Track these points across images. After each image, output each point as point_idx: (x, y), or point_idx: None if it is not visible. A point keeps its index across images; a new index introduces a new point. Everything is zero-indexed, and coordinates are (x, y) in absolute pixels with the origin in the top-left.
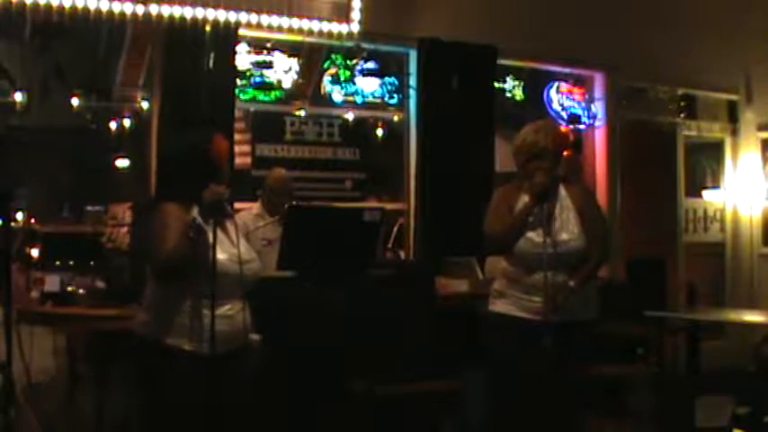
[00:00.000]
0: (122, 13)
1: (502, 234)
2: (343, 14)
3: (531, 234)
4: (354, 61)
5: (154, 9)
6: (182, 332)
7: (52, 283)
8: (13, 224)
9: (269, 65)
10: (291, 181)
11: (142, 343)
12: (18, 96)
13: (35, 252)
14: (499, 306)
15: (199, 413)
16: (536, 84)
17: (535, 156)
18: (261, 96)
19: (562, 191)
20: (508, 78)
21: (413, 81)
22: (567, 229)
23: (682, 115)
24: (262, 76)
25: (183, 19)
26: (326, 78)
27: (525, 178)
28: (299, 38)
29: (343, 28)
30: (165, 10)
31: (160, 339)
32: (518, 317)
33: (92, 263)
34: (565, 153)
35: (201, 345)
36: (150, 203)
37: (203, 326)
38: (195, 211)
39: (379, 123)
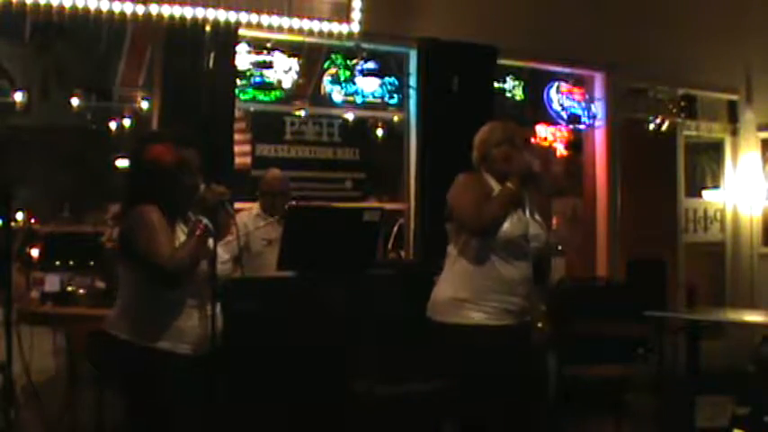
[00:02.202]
0: (122, 13)
1: (492, 219)
2: (343, 14)
3: (520, 222)
4: (354, 61)
5: (154, 9)
6: (174, 335)
7: (52, 283)
8: (13, 224)
9: (269, 65)
10: (287, 180)
11: (122, 345)
12: (18, 96)
13: (35, 252)
14: (467, 318)
15: (189, 413)
16: (536, 84)
17: (505, 142)
18: (261, 96)
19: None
20: (508, 78)
21: (413, 81)
22: (541, 222)
23: (682, 115)
24: (262, 76)
25: (183, 19)
26: (326, 78)
27: (494, 164)
28: (299, 38)
29: (343, 28)
30: (165, 10)
31: (150, 343)
32: (493, 325)
33: (92, 263)
34: (564, 151)
35: (189, 345)
36: (128, 205)
37: (188, 327)
38: (183, 233)
39: (379, 123)
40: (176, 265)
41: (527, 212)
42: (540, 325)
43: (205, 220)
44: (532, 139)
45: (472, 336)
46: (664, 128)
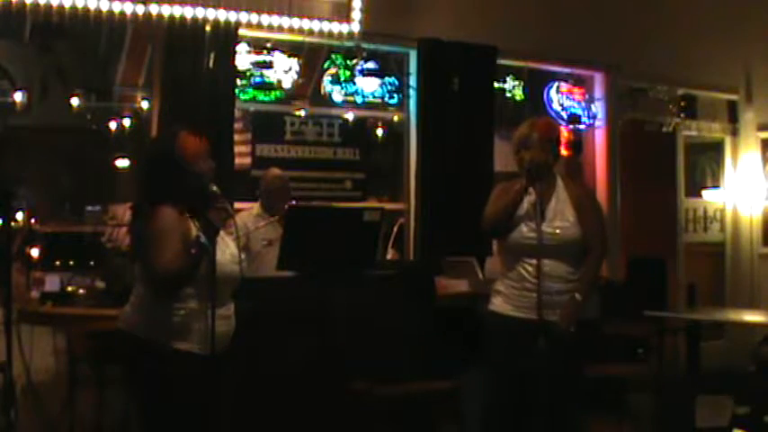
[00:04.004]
0: (122, 13)
1: (493, 215)
2: (343, 14)
3: (525, 224)
4: (354, 61)
5: (154, 9)
6: (180, 333)
7: (52, 283)
8: (13, 224)
9: (269, 65)
10: (287, 179)
11: (135, 342)
12: (18, 96)
13: (35, 252)
14: (495, 305)
15: (201, 412)
16: (536, 84)
17: (524, 145)
18: (261, 96)
19: (560, 184)
20: (508, 78)
21: (413, 81)
22: (562, 217)
23: (682, 115)
24: (262, 76)
25: (183, 19)
26: (326, 78)
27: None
28: (299, 38)
29: (343, 28)
30: (165, 10)
31: (156, 339)
32: (512, 316)
33: (92, 263)
34: (564, 152)
35: (202, 345)
36: (143, 206)
37: (203, 327)
38: (196, 229)
39: (379, 123)
40: (168, 275)
41: (539, 211)
42: (561, 320)
43: (203, 238)
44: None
45: (496, 322)
46: (665, 129)
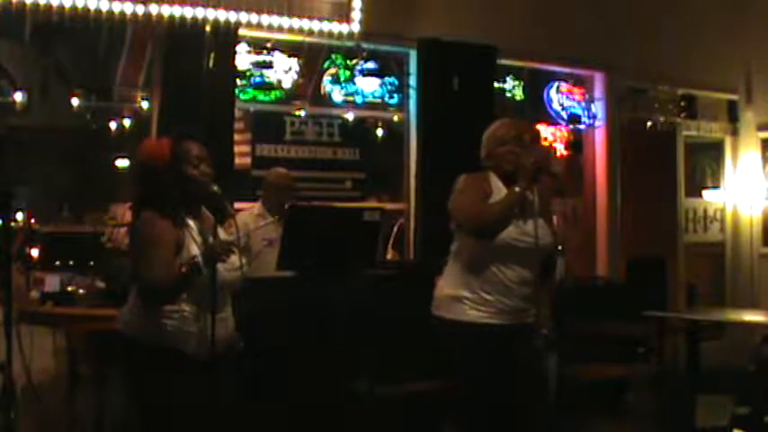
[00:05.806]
0: (122, 13)
1: (492, 216)
2: (343, 14)
3: (515, 225)
4: (354, 61)
5: (154, 9)
6: (176, 336)
7: (52, 283)
8: (13, 224)
9: (269, 65)
10: (292, 178)
11: (133, 344)
12: (18, 96)
13: (35, 252)
14: (459, 313)
15: (199, 414)
16: (536, 84)
17: (511, 140)
18: (261, 96)
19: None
20: (508, 78)
21: (413, 81)
22: (542, 221)
23: (682, 115)
24: (262, 76)
25: (183, 19)
26: (326, 78)
27: (498, 163)
28: (299, 38)
29: (343, 28)
30: (165, 10)
31: (152, 341)
32: (489, 324)
33: (92, 263)
34: (564, 151)
35: (199, 348)
36: (138, 209)
37: (199, 330)
38: (193, 240)
39: (379, 123)
40: (151, 285)
41: (535, 214)
42: (541, 325)
43: (199, 258)
44: (542, 138)
45: (467, 332)
46: (665, 129)
